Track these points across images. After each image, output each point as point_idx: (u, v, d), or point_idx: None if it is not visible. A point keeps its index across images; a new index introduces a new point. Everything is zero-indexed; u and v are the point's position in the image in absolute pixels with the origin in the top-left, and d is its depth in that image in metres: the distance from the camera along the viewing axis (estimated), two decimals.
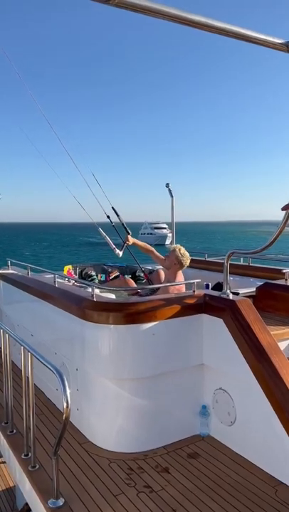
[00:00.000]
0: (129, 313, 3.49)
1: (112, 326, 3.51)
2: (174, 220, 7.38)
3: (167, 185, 7.09)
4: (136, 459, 3.42)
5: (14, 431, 3.86)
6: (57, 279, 4.72)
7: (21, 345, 3.32)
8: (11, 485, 5.56)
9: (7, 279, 5.99)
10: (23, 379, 3.39)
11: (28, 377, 3.28)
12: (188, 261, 4.85)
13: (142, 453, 3.50)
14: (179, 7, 1.90)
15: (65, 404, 2.62)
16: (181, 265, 4.79)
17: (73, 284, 5.12)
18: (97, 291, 3.87)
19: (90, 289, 3.97)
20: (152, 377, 3.59)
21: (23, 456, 3.42)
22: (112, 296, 4.51)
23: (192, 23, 1.85)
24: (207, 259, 6.59)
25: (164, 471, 3.27)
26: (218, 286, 4.58)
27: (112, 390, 3.60)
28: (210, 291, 3.99)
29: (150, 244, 5.54)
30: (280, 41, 1.90)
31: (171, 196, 7.15)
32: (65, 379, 2.69)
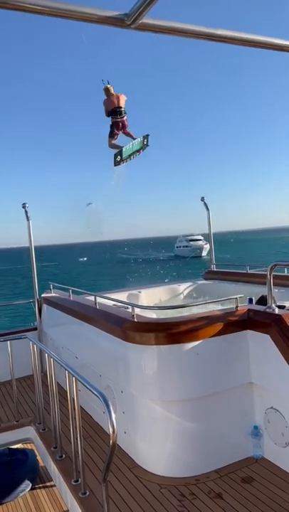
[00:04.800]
0: (170, 334, 3.43)
1: (154, 346, 3.46)
2: (211, 232, 7.32)
3: (202, 198, 7.08)
4: (187, 484, 3.31)
5: (63, 456, 3.86)
6: (98, 301, 4.74)
7: (66, 370, 3.33)
8: (65, 509, 5.54)
9: (50, 302, 6.09)
10: (69, 402, 3.39)
11: (74, 401, 3.27)
12: None
13: (194, 477, 3.38)
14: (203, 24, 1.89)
15: (111, 429, 2.57)
16: None
17: (114, 305, 5.13)
18: (137, 310, 3.85)
19: (130, 309, 3.96)
20: (199, 398, 3.49)
21: (73, 482, 3.40)
22: (154, 315, 4.46)
23: (219, 38, 1.83)
24: (249, 272, 6.43)
25: (218, 496, 3.13)
26: (263, 300, 4.43)
27: (158, 412, 3.53)
28: (254, 306, 3.86)
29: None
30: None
31: (207, 209, 7.13)
32: (110, 404, 2.64)
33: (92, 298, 5.01)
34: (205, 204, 7.10)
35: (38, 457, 6.51)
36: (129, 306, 4.40)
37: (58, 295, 6.22)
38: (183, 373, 3.46)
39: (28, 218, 6.24)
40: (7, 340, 4.74)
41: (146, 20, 1.63)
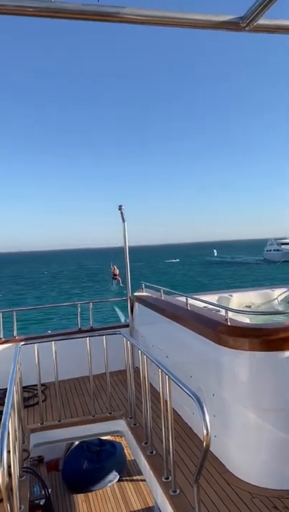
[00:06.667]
0: (267, 340, 3.32)
1: (248, 352, 3.38)
2: None
3: None
4: (281, 497, 3.18)
5: (154, 452, 3.94)
6: (189, 302, 4.76)
7: (159, 368, 3.39)
8: (150, 504, 5.66)
9: (142, 301, 6.26)
10: (162, 402, 3.45)
11: (166, 401, 3.32)
12: None
13: (288, 491, 3.24)
14: None
15: (205, 431, 2.56)
16: None
17: (204, 307, 5.12)
18: (230, 314, 3.79)
19: (223, 312, 3.91)
20: None
21: (163, 479, 3.46)
22: (247, 319, 4.37)
23: None
24: None
25: None
26: None
27: (252, 419, 3.44)
28: None
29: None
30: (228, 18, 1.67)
31: None
32: (204, 406, 2.64)
33: (183, 299, 5.04)
34: None
35: (125, 450, 6.75)
36: (221, 309, 4.35)
37: (149, 294, 6.37)
38: (279, 382, 3.32)
39: (123, 220, 6.47)
40: (103, 335, 4.96)
41: (261, 21, 1.61)
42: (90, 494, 6.12)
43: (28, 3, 1.63)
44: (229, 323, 3.61)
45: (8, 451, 2.43)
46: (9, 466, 2.45)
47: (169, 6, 1.69)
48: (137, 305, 6.61)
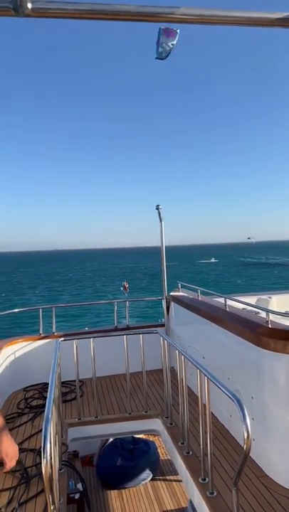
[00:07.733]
0: None
1: None
2: None
3: None
4: None
5: (190, 452, 3.92)
6: (228, 303, 4.71)
7: (197, 369, 3.37)
8: (183, 505, 5.64)
9: (178, 300, 6.24)
10: (200, 403, 3.42)
11: (204, 404, 3.29)
12: None
13: None
14: None
15: (245, 434, 2.52)
16: None
17: (243, 309, 5.04)
18: (271, 316, 3.73)
19: (263, 314, 3.85)
20: None
21: (200, 480, 3.44)
22: (288, 322, 4.27)
23: None
24: None
25: None
26: None
27: None
28: None
29: None
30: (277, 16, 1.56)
31: None
32: (245, 408, 2.60)
33: (221, 300, 4.99)
34: None
35: (159, 450, 6.76)
36: (260, 311, 4.28)
37: (185, 294, 6.34)
38: None
39: (160, 220, 6.45)
40: (139, 334, 4.98)
41: None
42: (123, 491, 6.16)
43: (73, 6, 1.66)
44: (270, 326, 3.54)
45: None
46: (50, 458, 2.51)
47: (219, 5, 1.68)
48: (173, 305, 6.59)
